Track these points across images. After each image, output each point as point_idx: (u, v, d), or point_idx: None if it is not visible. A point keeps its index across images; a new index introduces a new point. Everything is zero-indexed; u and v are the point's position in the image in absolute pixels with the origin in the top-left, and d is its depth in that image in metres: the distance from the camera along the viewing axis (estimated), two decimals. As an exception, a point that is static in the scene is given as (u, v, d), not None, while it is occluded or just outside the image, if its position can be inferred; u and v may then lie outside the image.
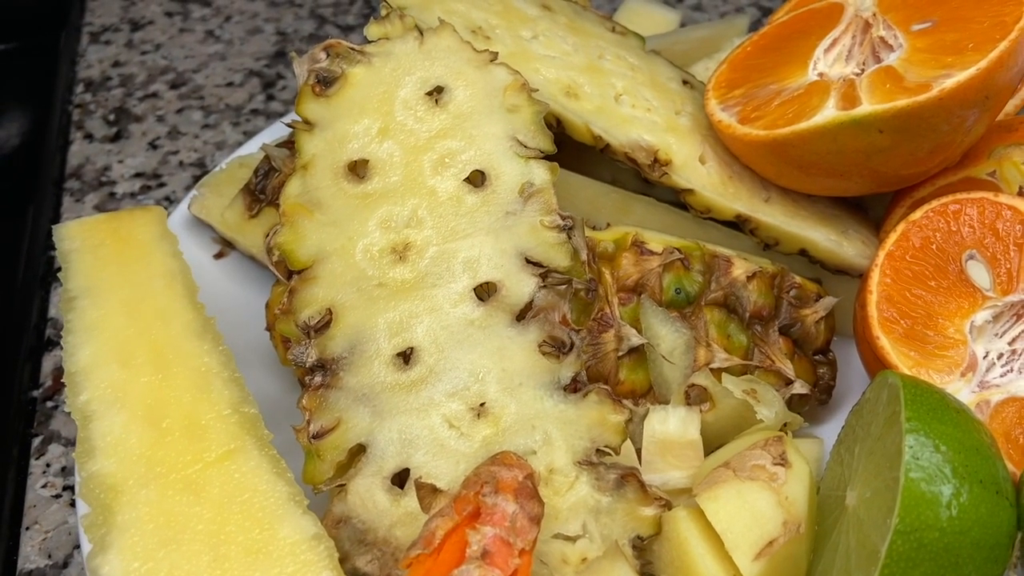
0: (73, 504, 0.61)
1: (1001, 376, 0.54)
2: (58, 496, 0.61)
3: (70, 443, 0.64)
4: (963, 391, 0.53)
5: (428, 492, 0.47)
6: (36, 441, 0.64)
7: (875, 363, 0.55)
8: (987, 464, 0.44)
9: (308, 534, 0.45)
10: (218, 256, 0.68)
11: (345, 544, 0.49)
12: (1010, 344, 0.55)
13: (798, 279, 0.61)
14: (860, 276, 0.62)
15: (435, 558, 0.44)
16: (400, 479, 0.50)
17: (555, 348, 0.52)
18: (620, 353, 0.57)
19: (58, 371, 0.69)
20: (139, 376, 0.50)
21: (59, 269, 0.77)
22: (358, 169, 0.55)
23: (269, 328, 0.60)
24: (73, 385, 0.50)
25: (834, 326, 0.61)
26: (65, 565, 0.57)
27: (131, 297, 0.54)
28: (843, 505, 0.49)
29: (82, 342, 0.51)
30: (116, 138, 0.91)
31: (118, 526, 0.44)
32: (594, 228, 0.60)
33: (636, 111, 0.62)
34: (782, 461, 0.50)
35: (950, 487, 0.42)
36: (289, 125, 0.58)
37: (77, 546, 0.58)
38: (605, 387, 0.52)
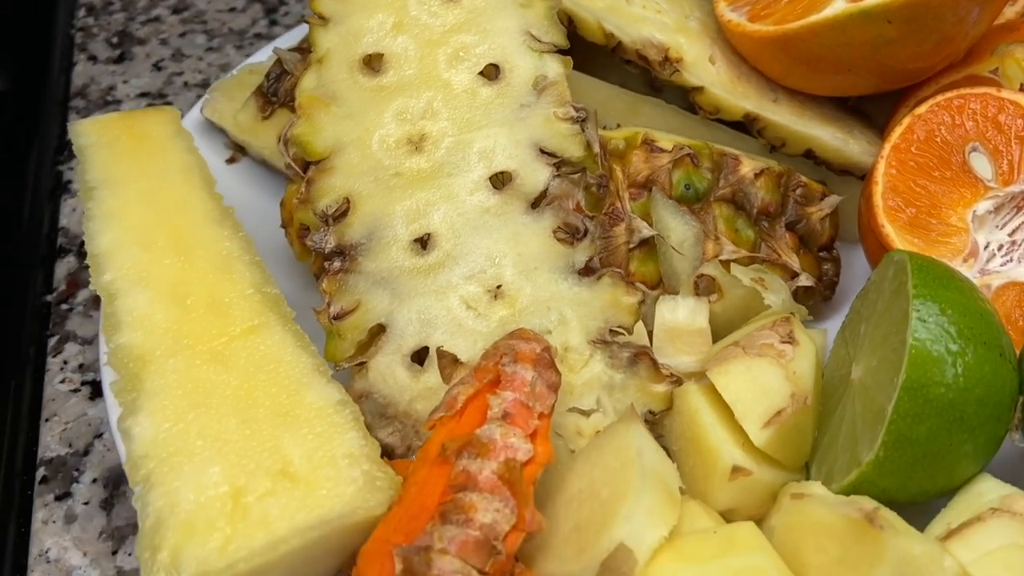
0: (92, 398, 0.62)
1: (1001, 265, 0.56)
2: (76, 391, 0.62)
3: (87, 342, 0.65)
4: (964, 276, 0.54)
5: (449, 362, 0.48)
6: (52, 341, 0.65)
7: (880, 253, 0.56)
8: (991, 328, 0.45)
9: (334, 399, 0.46)
10: (230, 161, 0.68)
11: (367, 418, 0.50)
12: (1010, 235, 0.57)
13: (804, 179, 0.62)
14: (863, 178, 0.63)
15: (457, 420, 0.46)
16: (419, 357, 0.52)
17: (569, 234, 0.54)
18: (631, 245, 0.58)
19: (71, 276, 0.70)
20: (161, 258, 0.51)
21: (68, 182, 0.78)
22: (373, 63, 0.56)
23: (284, 226, 0.61)
24: (97, 266, 0.50)
25: (838, 224, 0.63)
26: (86, 453, 0.59)
27: (149, 188, 0.54)
28: (848, 381, 0.51)
29: (103, 228, 0.52)
30: (120, 60, 0.91)
31: (147, 392, 0.45)
32: (604, 128, 0.61)
33: (647, 12, 0.62)
34: (790, 339, 0.52)
35: (955, 346, 0.44)
36: (304, 20, 0.58)
37: (98, 435, 0.59)
38: (618, 270, 0.53)
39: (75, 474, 0.57)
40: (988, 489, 0.44)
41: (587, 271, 0.53)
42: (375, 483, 0.43)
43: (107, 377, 0.48)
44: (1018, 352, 0.48)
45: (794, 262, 0.60)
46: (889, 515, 0.41)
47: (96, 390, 0.62)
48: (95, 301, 0.67)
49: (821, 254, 0.63)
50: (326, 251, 0.53)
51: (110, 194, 0.54)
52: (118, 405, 0.45)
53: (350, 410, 0.46)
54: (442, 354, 0.47)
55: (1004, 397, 0.45)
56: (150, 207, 0.53)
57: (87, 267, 0.70)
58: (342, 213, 0.54)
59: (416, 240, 0.53)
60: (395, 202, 0.54)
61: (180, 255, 0.51)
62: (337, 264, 0.53)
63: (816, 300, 0.62)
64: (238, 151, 0.69)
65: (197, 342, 0.47)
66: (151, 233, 0.52)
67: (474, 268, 0.53)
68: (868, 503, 0.41)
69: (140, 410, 0.44)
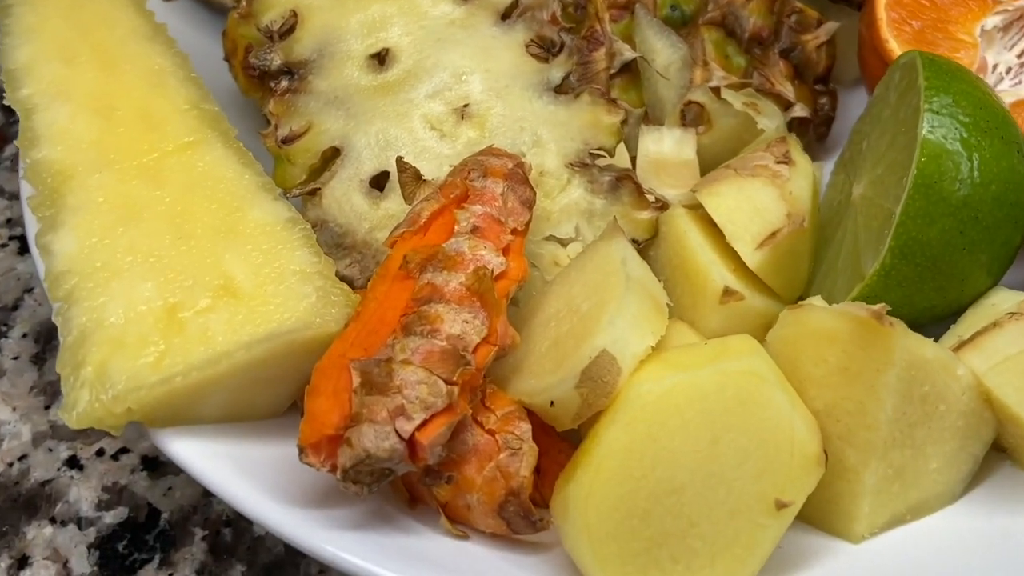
0: (21, 252, 0.56)
1: (1011, 86, 0.52)
2: (3, 245, 0.57)
3: (13, 197, 0.59)
4: (973, 93, 0.50)
5: (411, 177, 0.43)
6: (-24, 196, 0.59)
7: (882, 73, 0.52)
8: (1008, 124, 0.41)
9: (282, 217, 0.42)
10: (168, -2, 0.61)
11: (323, 249, 0.45)
12: (1019, 57, 0.52)
13: (799, 4, 0.57)
14: (860, 7, 0.58)
15: (421, 236, 0.41)
16: (379, 182, 0.47)
17: (543, 48, 0.48)
18: (612, 71, 0.53)
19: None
20: (84, 72, 0.45)
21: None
22: None
23: (227, 58, 0.55)
24: (12, 81, 0.45)
25: (835, 56, 0.58)
26: (15, 307, 0.53)
27: (71, 3, 0.48)
28: (848, 205, 0.46)
29: (20, 43, 0.46)
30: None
31: (69, 207, 0.40)
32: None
33: None
34: (786, 159, 0.47)
35: (972, 139, 0.39)
36: None
37: (28, 289, 0.54)
38: (599, 87, 0.48)
39: (3, 329, 0.52)
40: (1003, 299, 0.41)
41: (564, 88, 0.48)
42: (330, 298, 0.38)
43: (25, 192, 0.43)
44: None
45: (789, 91, 0.55)
46: (897, 319, 0.38)
47: (24, 245, 0.57)
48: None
49: (817, 87, 0.58)
50: (272, 69, 0.48)
51: (29, 10, 0.48)
52: (36, 221, 0.40)
53: (300, 227, 0.41)
54: (403, 166, 0.42)
55: (1022, 198, 0.41)
56: (72, 22, 0.47)
57: (13, 120, 0.64)
58: (289, 28, 0.48)
59: (373, 56, 0.47)
60: (348, 14, 0.48)
61: (105, 70, 0.45)
62: (285, 84, 0.48)
63: (811, 138, 0.58)
64: (176, -12, 0.62)
65: (125, 158, 0.42)
66: (73, 48, 0.46)
67: (438, 86, 0.47)
68: (877, 305, 0.37)
69: (61, 225, 0.39)
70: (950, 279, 0.41)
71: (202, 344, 0.36)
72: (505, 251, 0.40)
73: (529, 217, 0.42)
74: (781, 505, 0.34)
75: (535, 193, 0.43)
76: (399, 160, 0.43)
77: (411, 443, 0.34)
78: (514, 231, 0.41)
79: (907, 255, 0.40)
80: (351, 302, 0.39)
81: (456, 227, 0.40)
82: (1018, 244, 0.42)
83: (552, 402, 0.36)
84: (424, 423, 0.33)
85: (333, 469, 0.34)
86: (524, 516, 0.36)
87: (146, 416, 0.36)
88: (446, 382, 0.35)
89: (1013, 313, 0.39)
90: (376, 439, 0.33)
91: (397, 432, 0.33)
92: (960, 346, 0.39)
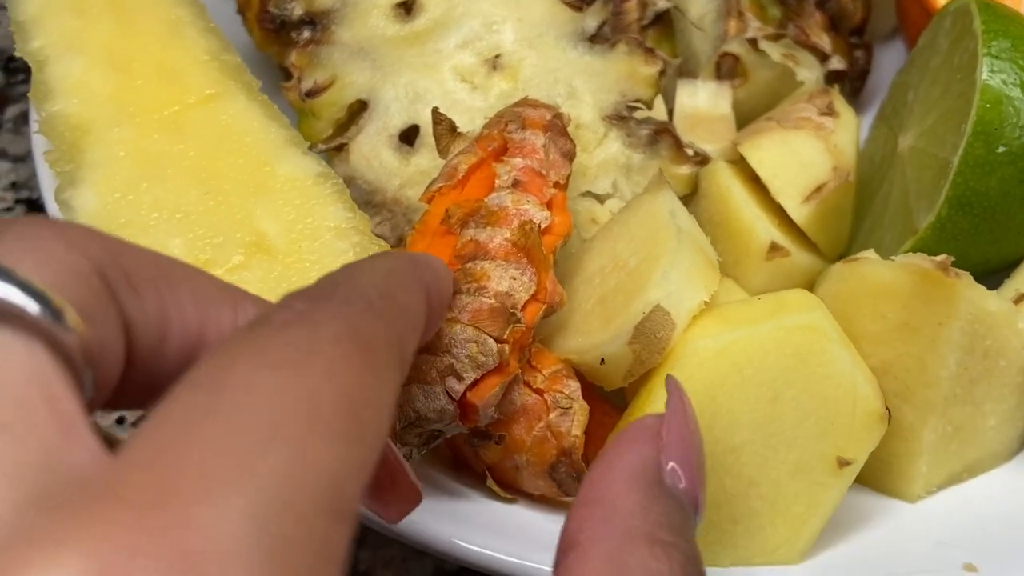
0: (28, 215, 0.54)
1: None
2: (9, 209, 0.55)
3: (19, 159, 0.57)
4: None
5: (446, 129, 0.41)
6: (-19, 160, 0.57)
7: (923, 23, 0.50)
8: (1069, 69, 0.40)
9: (313, 171, 0.40)
10: (175, -50, 0.59)
11: (350, 207, 0.44)
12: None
13: (834, -47, 0.55)
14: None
15: (460, 191, 0.39)
16: (408, 137, 0.45)
17: (577, -3, 0.46)
18: (644, 22, 0.51)
19: (-1, 92, 0.61)
20: (97, 24, 0.43)
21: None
22: None
23: (241, 10, 0.53)
24: (22, 33, 0.42)
25: (871, 5, 0.56)
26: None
27: (80, -49, 0.46)
28: (893, 157, 0.45)
29: (28, -8, 0.44)
30: None
31: (88, 163, 0.38)
32: None
33: None
34: (829, 111, 0.46)
35: (1033, 85, 0.38)
36: None
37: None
38: (636, 37, 0.47)
39: (16, 294, 0.51)
40: (1061, 252, 0.39)
41: (599, 38, 0.46)
42: (368, 254, 0.37)
43: (41, 147, 0.41)
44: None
45: (825, 43, 0.53)
46: (963, 271, 0.36)
47: (32, 207, 0.54)
48: (24, 117, 0.59)
49: (852, 39, 0.56)
50: (294, 19, 0.45)
51: None
52: (54, 177, 0.38)
53: (332, 182, 0.39)
54: (439, 118, 0.40)
55: (1083, 147, 0.39)
56: None
57: (14, 82, 0.61)
58: (310, -24, 0.46)
59: (399, 4, 0.45)
60: (372, -39, 0.46)
61: (119, 20, 0.43)
62: (307, 34, 0.45)
63: (846, 92, 0.56)
64: (184, -60, 0.59)
65: (145, 111, 0.40)
66: None
67: (468, 35, 0.45)
68: (938, 256, 0.36)
69: (82, 181, 0.37)
70: (1007, 231, 0.39)
71: (236, 301, 0.34)
72: (549, 205, 0.38)
73: (570, 170, 0.40)
74: (843, 463, 0.33)
75: (575, 145, 0.41)
76: (435, 111, 0.41)
77: (462, 404, 0.32)
78: (556, 184, 0.39)
79: (964, 206, 0.39)
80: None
81: (497, 181, 0.38)
82: (1078, 195, 0.40)
83: (603, 360, 0.35)
84: (475, 383, 0.32)
85: (380, 432, 0.33)
86: (576, 477, 0.34)
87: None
88: (496, 340, 0.33)
89: (1076, 265, 0.37)
90: (426, 400, 0.32)
91: (448, 392, 0.32)
92: (1019, 299, 0.38)
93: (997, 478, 0.38)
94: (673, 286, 0.35)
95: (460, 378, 0.32)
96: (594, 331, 0.36)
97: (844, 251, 0.46)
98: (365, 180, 0.44)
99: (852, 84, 0.57)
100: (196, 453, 0.17)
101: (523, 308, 0.34)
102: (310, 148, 0.43)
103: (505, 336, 0.33)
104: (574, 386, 0.35)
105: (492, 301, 0.34)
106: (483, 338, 0.33)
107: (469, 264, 0.35)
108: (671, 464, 0.24)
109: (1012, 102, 0.38)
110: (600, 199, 0.45)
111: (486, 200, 0.38)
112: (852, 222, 0.46)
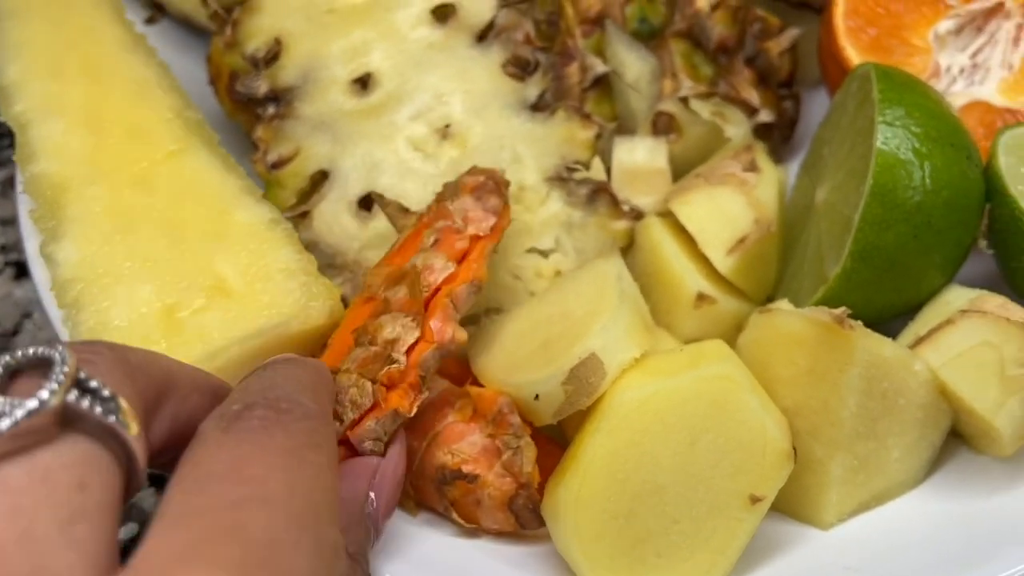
0: (17, 278, 0.58)
1: (964, 88, 0.54)
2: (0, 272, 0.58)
3: (7, 222, 0.60)
4: (927, 97, 0.53)
5: (395, 210, 0.45)
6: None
7: (842, 80, 0.54)
8: (958, 132, 0.44)
9: (265, 218, 0.44)
10: (149, 21, 0.63)
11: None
12: (972, 58, 0.55)
13: (762, 12, 0.59)
14: (820, 11, 0.60)
15: (395, 260, 0.43)
16: (367, 203, 0.49)
17: (519, 68, 0.50)
18: (585, 85, 0.55)
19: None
20: (73, 87, 0.47)
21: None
22: None
23: (212, 82, 0.56)
24: (6, 98, 0.47)
25: (798, 61, 0.61)
26: (15, 332, 0.55)
27: (57, 16, 0.50)
28: (811, 207, 0.49)
29: (10, 58, 0.48)
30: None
31: (68, 218, 0.42)
32: (552, -36, 0.57)
33: None
34: (752, 167, 0.50)
35: (923, 148, 0.42)
36: None
37: (26, 315, 0.56)
38: (573, 103, 0.51)
39: (6, 355, 0.54)
40: (956, 296, 0.43)
41: (540, 106, 0.50)
42: (312, 292, 0.41)
43: (26, 206, 0.45)
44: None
45: (754, 98, 0.57)
46: (857, 322, 0.41)
47: (21, 271, 0.58)
48: (11, 181, 0.62)
49: (781, 91, 0.60)
50: (259, 96, 0.49)
51: (15, 25, 0.50)
52: (38, 233, 0.42)
53: (283, 227, 0.44)
54: (386, 202, 0.45)
55: (971, 202, 0.43)
56: (58, 36, 0.49)
57: (2, 146, 0.65)
58: (273, 56, 0.49)
59: (355, 80, 0.49)
60: (330, 41, 0.50)
61: (92, 83, 0.47)
62: (271, 110, 0.49)
63: (776, 140, 0.61)
64: (157, 10, 0.63)
65: (117, 168, 0.44)
66: (61, 62, 0.48)
67: (420, 107, 0.49)
68: (837, 310, 0.40)
69: (63, 236, 0.42)
70: (906, 280, 0.43)
71: (200, 341, 0.39)
72: (463, 256, 0.42)
73: (494, 222, 0.44)
74: (755, 500, 0.37)
75: (504, 201, 0.45)
76: (379, 196, 0.45)
77: (342, 442, 0.37)
78: (474, 237, 0.43)
79: (865, 259, 0.43)
80: (333, 295, 0.42)
81: (420, 245, 0.42)
82: (969, 244, 0.45)
83: (537, 396, 0.39)
84: (355, 422, 0.36)
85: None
86: (533, 509, 0.38)
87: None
88: (372, 381, 0.37)
89: (965, 310, 0.41)
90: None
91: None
92: (917, 343, 0.42)
93: (905, 504, 0.42)
94: (610, 339, 0.39)
95: (342, 421, 0.36)
96: (534, 369, 0.40)
97: (772, 294, 0.50)
98: (327, 244, 0.48)
99: (783, 132, 0.61)
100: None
101: (408, 350, 0.38)
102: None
103: (379, 376, 0.37)
104: (516, 421, 0.39)
105: (377, 348, 0.38)
106: (362, 382, 0.37)
107: (371, 320, 0.39)
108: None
109: (904, 166, 0.42)
110: (544, 254, 0.49)
111: (406, 266, 0.41)
112: (778, 266, 0.50)
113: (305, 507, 0.24)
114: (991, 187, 0.44)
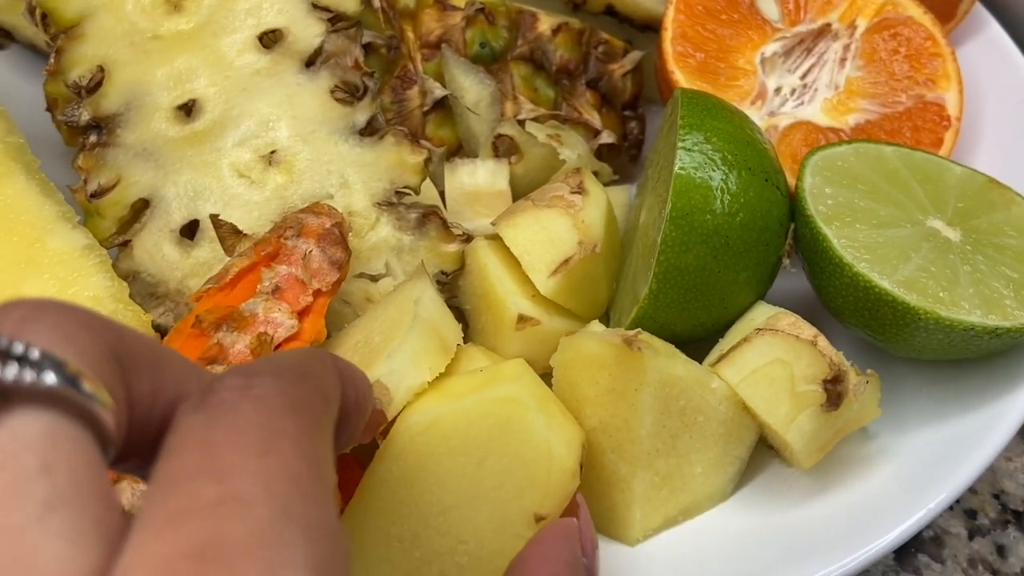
0: None
1: (794, 107, 0.56)
2: None
3: None
4: (753, 118, 0.54)
5: (228, 232, 0.45)
6: None
7: (673, 101, 0.56)
8: (757, 155, 0.45)
9: (79, 245, 0.44)
10: (-5, 47, 0.62)
11: (137, 299, 0.47)
12: (802, 79, 0.57)
13: (605, 36, 0.61)
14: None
15: (227, 293, 0.43)
16: (189, 231, 0.48)
17: (348, 93, 0.51)
18: (425, 108, 0.56)
19: None
20: None
21: None
22: (124, -82, 0.51)
23: (50, 109, 0.56)
24: None
25: (642, 82, 0.62)
26: None
27: None
28: (637, 227, 0.50)
29: None
30: None
31: None
32: (395, -12, 0.58)
33: None
34: (579, 190, 0.51)
35: (719, 173, 0.43)
36: None
37: None
38: (402, 129, 0.51)
39: None
40: (760, 314, 0.45)
41: (369, 131, 0.51)
42: (124, 320, 0.41)
43: None
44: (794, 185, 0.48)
45: (595, 120, 0.59)
46: (651, 339, 0.41)
47: None
48: None
49: (626, 112, 0.62)
50: (81, 125, 0.49)
51: None
52: None
53: (97, 254, 0.44)
54: (218, 223, 0.44)
55: (771, 223, 0.45)
56: None
57: None
58: (96, 83, 0.49)
59: (180, 107, 0.49)
60: (154, 68, 0.49)
61: None
62: (93, 138, 0.49)
63: (623, 160, 0.62)
64: (5, 36, 0.62)
65: None
66: None
67: (245, 134, 0.49)
68: (632, 331, 0.41)
69: None
70: (711, 298, 0.45)
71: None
72: (304, 312, 0.42)
73: (337, 277, 0.44)
74: (539, 518, 0.37)
75: (348, 253, 0.45)
76: (213, 217, 0.45)
77: None
78: (318, 292, 0.43)
79: (669, 279, 0.44)
80: (143, 323, 0.42)
81: (259, 286, 0.42)
82: (775, 263, 0.46)
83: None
84: None
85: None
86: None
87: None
88: None
89: (760, 328, 0.43)
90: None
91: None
92: (719, 360, 0.43)
93: (713, 518, 0.43)
94: (396, 365, 0.39)
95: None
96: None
97: (603, 311, 0.51)
98: (149, 273, 0.48)
99: (629, 152, 0.63)
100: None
101: None
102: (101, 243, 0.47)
103: None
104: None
105: None
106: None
107: (208, 367, 0.39)
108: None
109: (700, 190, 0.43)
110: (374, 279, 0.49)
111: (240, 306, 0.41)
112: (611, 285, 0.51)
113: (288, 493, 0.21)
114: (795, 207, 0.46)
